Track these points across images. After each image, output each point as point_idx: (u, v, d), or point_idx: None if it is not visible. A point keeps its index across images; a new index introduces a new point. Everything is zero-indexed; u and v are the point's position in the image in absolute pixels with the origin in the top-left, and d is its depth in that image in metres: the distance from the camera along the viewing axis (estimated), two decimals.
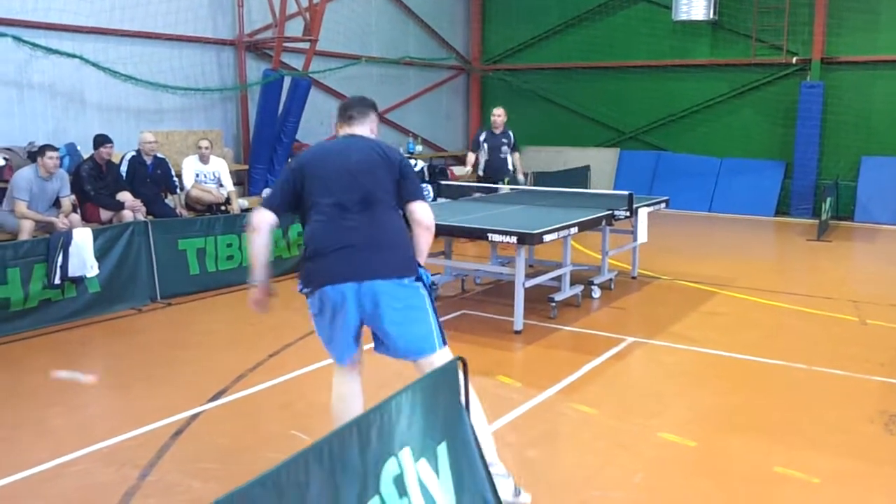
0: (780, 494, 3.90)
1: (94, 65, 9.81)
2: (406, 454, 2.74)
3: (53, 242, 6.59)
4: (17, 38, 9.00)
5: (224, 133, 11.86)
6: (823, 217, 11.96)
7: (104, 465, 4.15)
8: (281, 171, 11.75)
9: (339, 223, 3.65)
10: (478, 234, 6.54)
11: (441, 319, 3.91)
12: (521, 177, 10.37)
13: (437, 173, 14.38)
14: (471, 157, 10.40)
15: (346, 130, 3.91)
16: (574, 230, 6.75)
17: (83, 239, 6.73)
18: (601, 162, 15.89)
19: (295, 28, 12.00)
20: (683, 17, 13.83)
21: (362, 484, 2.49)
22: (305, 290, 3.71)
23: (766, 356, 6.04)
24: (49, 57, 9.40)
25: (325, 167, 3.73)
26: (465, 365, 3.08)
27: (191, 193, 9.72)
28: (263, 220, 3.65)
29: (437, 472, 2.96)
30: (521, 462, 4.17)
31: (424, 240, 3.76)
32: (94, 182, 8.70)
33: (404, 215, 3.81)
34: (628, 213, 7.44)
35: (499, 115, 10.18)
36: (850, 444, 4.49)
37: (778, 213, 14.11)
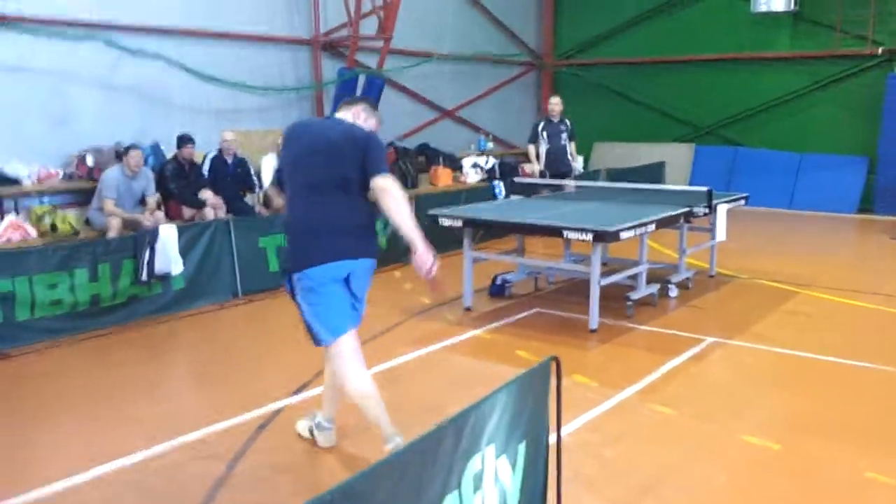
0: (871, 500, 3.79)
1: (179, 66, 10.10)
2: (490, 451, 2.78)
3: (140, 240, 6.85)
4: (107, 42, 9.34)
5: None
6: None
7: (192, 457, 4.30)
8: None
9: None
10: (553, 232, 6.51)
11: (515, 318, 3.95)
12: (576, 164, 10.67)
13: (508, 171, 14.37)
14: (531, 149, 10.49)
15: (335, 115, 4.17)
16: (651, 227, 6.65)
17: (169, 236, 6.97)
18: (677, 158, 15.60)
19: (369, 26, 12.12)
20: (763, 8, 13.46)
21: (447, 478, 2.55)
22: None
23: (851, 358, 5.86)
24: (135, 58, 9.74)
25: (299, 146, 3.97)
26: (558, 365, 3.08)
27: (269, 192, 9.92)
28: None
29: (513, 469, 2.99)
30: (600, 461, 4.15)
31: (393, 205, 3.74)
32: (177, 180, 8.99)
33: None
34: (707, 210, 7.30)
35: (556, 102, 10.44)
36: None
37: (861, 210, 13.60)
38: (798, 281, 8.30)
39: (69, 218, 8.48)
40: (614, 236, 6.15)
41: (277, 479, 4.04)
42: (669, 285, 7.60)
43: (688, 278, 7.94)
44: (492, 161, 14.26)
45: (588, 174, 13.61)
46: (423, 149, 13.95)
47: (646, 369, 5.58)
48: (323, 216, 3.86)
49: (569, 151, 10.44)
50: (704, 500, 3.79)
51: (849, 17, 13.52)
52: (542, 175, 10.31)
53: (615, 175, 12.99)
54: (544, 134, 10.37)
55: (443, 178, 13.26)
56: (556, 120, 10.40)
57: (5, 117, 8.69)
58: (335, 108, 4.14)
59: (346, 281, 3.86)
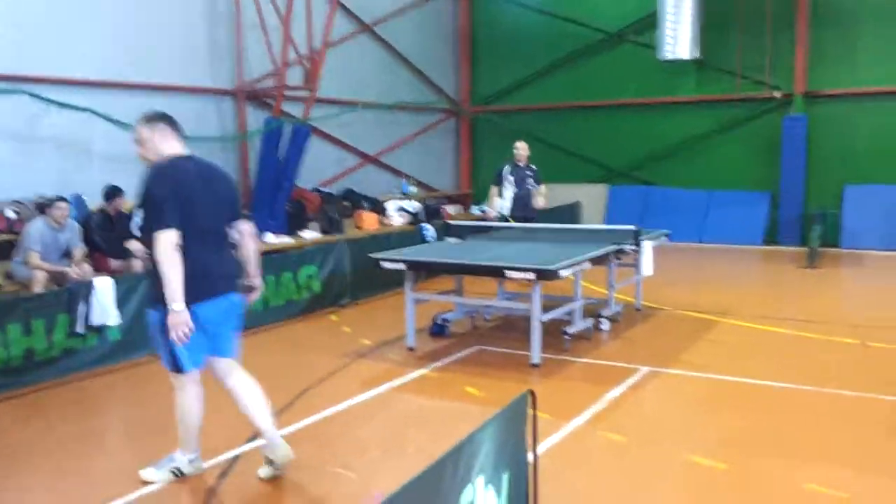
0: None
1: (104, 118, 9.95)
2: (480, 482, 2.91)
3: (76, 292, 6.70)
4: (32, 95, 9.16)
5: None
6: (813, 244, 12.28)
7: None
8: (277, 217, 11.98)
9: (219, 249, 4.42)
10: (494, 272, 6.72)
11: (457, 356, 4.14)
12: (541, 202, 10.51)
13: (432, 213, 14.63)
14: (494, 191, 10.48)
15: (178, 147, 4.39)
16: (587, 265, 6.95)
17: (105, 288, 6.84)
18: (592, 198, 16.19)
19: (293, 76, 12.25)
20: (669, 55, 14.23)
21: None
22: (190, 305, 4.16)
23: (778, 380, 6.24)
24: (60, 111, 9.57)
25: (202, 193, 4.27)
26: (534, 398, 3.24)
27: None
28: (172, 242, 4.10)
29: (498, 497, 3.13)
30: (560, 488, 4.30)
31: (255, 248, 4.63)
32: (103, 232, 8.83)
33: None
34: (636, 247, 7.66)
35: (522, 147, 10.47)
36: (871, 460, 4.68)
37: (766, 241, 14.43)
38: (717, 310, 8.75)
39: None
40: (555, 275, 6.39)
41: None
42: (601, 319, 7.90)
43: (618, 312, 8.27)
44: (416, 205, 14.50)
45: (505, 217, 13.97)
46: (348, 194, 14.09)
47: (590, 399, 5.79)
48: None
49: (533, 197, 10.38)
50: None
51: (748, 63, 14.48)
52: (503, 219, 10.23)
53: (547, 213, 13.35)
54: (511, 178, 10.35)
55: (368, 221, 13.40)
56: (522, 164, 10.44)
57: None
58: (175, 130, 4.43)
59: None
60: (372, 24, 14.78)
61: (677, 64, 14.85)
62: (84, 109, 9.73)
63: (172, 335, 4.10)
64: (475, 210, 16.31)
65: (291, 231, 12.17)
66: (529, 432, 3.34)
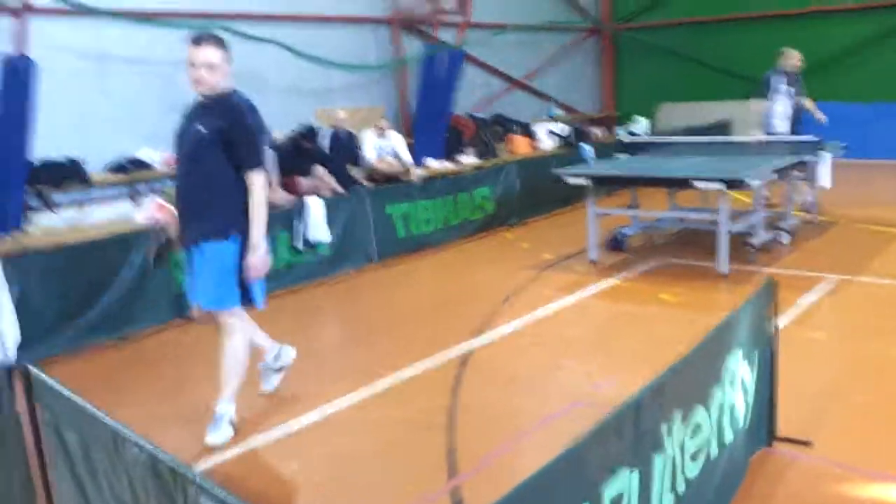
0: None
1: (290, 51, 10.56)
2: (738, 354, 3.36)
3: (295, 212, 7.40)
4: (224, 29, 9.85)
5: (385, 108, 12.57)
6: None
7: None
8: (436, 143, 12.44)
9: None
10: (680, 184, 6.95)
11: (642, 268, 4.47)
12: (820, 116, 9.39)
13: (579, 135, 14.73)
14: (756, 107, 9.53)
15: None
16: (774, 176, 7.05)
17: (317, 208, 7.52)
18: (745, 114, 15.79)
19: (445, 1, 12.46)
20: None
21: (719, 376, 3.17)
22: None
23: None
24: (234, 43, 10.23)
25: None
26: (775, 287, 3.59)
27: (374, 166, 10.45)
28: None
29: (751, 371, 3.54)
30: (783, 376, 4.61)
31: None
32: (295, 160, 9.55)
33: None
34: (817, 158, 7.67)
35: (794, 54, 9.47)
36: None
37: None
38: (894, 223, 8.64)
39: None
40: (744, 184, 6.55)
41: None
42: (780, 231, 7.98)
43: (796, 224, 8.32)
44: (565, 127, 14.64)
45: (661, 133, 13.94)
46: (498, 119, 14.36)
47: (785, 304, 5.99)
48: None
49: (807, 111, 9.35)
50: (887, 402, 4.27)
51: None
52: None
53: (692, 133, 13.28)
54: (781, 88, 9.32)
55: (521, 146, 13.67)
56: (794, 74, 9.41)
57: (128, 107, 9.30)
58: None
59: None
60: None
61: None
62: (268, 41, 10.35)
63: (253, 273, 4.05)
64: (620, 132, 16.28)
65: (449, 156, 12.62)
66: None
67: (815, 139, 7.79)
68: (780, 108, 9.26)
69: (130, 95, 9.33)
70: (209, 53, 3.98)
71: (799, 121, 9.38)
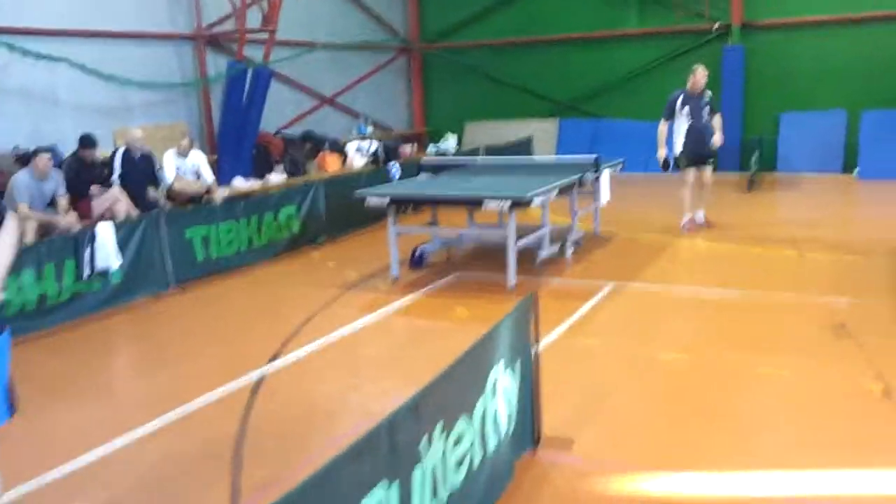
0: (766, 385, 4.89)
1: (75, 65, 10.09)
2: (501, 364, 3.61)
3: (81, 238, 7.07)
4: (9, 47, 9.27)
5: (189, 126, 12.25)
6: (752, 169, 13.17)
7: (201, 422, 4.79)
8: (243, 162, 12.28)
9: None
10: (472, 203, 7.32)
11: (440, 283, 4.79)
12: (718, 139, 9.31)
13: (390, 153, 15.02)
14: (663, 127, 9.49)
15: None
16: (554, 193, 7.59)
17: (107, 233, 7.22)
18: (542, 132, 16.80)
19: (251, 18, 12.37)
20: None
21: (481, 387, 3.41)
22: None
23: (728, 288, 7.06)
24: (24, 60, 9.68)
25: None
26: (536, 299, 3.91)
27: (173, 186, 10.15)
28: None
29: (513, 379, 3.83)
30: (557, 377, 4.99)
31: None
32: (79, 178, 9.11)
33: None
34: (597, 175, 8.32)
35: (701, 72, 9.26)
36: (807, 346, 5.58)
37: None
38: (668, 232, 9.52)
39: None
40: (528, 202, 7.01)
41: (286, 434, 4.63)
42: (566, 244, 8.57)
43: (580, 237, 8.96)
44: (375, 144, 14.86)
45: (465, 152, 14.53)
46: (309, 136, 14.34)
47: (566, 313, 6.49)
48: None
49: (711, 131, 9.25)
50: (646, 401, 4.74)
51: None
52: (664, 164, 9.33)
53: (493, 151, 13.95)
54: (686, 109, 9.22)
55: (332, 164, 13.75)
56: (698, 93, 9.26)
57: None
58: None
59: None
60: None
61: None
62: (58, 59, 9.84)
63: None
64: (431, 149, 16.78)
65: (257, 175, 12.49)
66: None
67: (595, 157, 8.44)
68: (683, 127, 9.37)
69: None
70: None
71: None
